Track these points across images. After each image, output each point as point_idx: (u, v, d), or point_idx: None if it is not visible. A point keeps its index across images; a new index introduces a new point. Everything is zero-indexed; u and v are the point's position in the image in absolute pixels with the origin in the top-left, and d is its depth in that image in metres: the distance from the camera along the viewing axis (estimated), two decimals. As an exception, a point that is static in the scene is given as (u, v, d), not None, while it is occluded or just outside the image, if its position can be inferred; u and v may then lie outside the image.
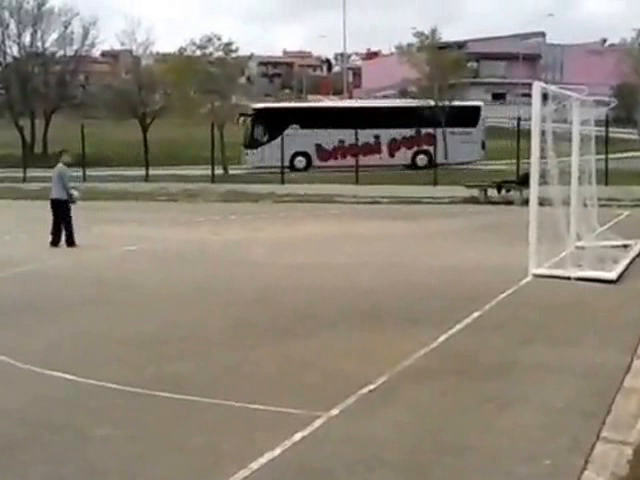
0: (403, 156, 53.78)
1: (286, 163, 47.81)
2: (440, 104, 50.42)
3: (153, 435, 7.18)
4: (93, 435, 7.16)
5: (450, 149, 49.80)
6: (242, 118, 53.99)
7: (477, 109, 55.93)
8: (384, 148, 53.86)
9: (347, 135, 50.05)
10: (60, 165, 20.15)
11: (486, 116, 56.14)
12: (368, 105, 58.36)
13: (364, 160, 46.59)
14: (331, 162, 52.29)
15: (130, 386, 8.38)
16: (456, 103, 52.47)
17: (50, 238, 19.51)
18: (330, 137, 52.40)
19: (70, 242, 19.49)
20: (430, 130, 49.82)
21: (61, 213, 19.66)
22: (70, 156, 21.30)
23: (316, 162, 52.52)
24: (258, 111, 54.22)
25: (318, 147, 52.52)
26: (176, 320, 11.79)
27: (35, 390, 8.50)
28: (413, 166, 52.27)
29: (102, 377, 8.66)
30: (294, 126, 50.98)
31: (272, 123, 52.42)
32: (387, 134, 53.50)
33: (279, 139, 46.50)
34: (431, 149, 50.02)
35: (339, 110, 55.28)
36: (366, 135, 47.97)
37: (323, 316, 11.84)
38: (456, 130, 51.82)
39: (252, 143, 53.36)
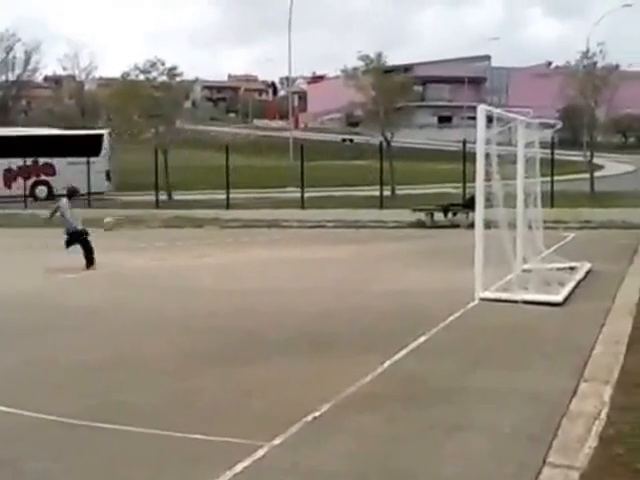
0: (21, 187, 49.83)
1: None
2: (58, 133, 48.73)
3: (92, 468, 6.99)
4: (30, 470, 6.96)
5: (71, 180, 48.05)
6: None
7: (99, 137, 53.07)
8: None
9: None
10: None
11: (110, 146, 52.74)
12: None
13: None
14: None
15: (71, 417, 8.17)
16: (76, 132, 50.88)
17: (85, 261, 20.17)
18: None
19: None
20: (48, 160, 49.61)
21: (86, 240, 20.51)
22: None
23: None
24: None
25: None
26: (120, 348, 11.58)
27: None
28: (34, 197, 49.54)
29: (43, 409, 8.45)
30: None
31: None
32: (0, 164, 51.17)
33: None
34: (50, 179, 49.77)
35: None
36: None
37: (268, 342, 11.72)
38: (77, 160, 47.78)
39: None
